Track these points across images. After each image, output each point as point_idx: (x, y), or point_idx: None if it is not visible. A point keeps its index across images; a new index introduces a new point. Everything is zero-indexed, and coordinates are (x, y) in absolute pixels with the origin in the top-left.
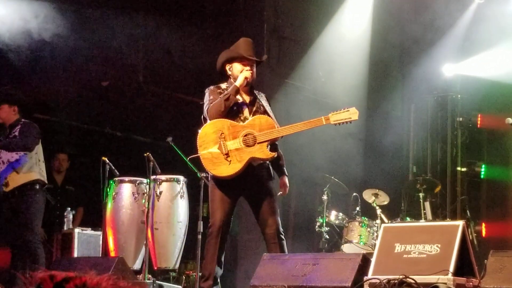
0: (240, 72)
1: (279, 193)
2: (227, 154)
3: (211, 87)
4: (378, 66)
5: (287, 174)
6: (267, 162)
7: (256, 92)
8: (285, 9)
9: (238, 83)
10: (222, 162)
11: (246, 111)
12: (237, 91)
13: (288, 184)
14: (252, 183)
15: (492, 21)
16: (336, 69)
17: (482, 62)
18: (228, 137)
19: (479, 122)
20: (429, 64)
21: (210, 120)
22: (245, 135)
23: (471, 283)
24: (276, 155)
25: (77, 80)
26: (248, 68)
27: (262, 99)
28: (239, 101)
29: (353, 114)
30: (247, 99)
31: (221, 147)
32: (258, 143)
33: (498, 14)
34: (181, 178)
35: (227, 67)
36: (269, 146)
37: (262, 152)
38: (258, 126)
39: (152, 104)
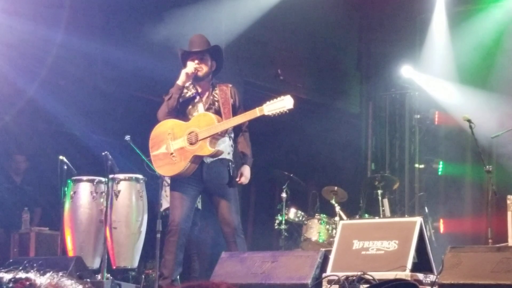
0: None
1: (237, 179)
2: (172, 154)
3: (173, 88)
4: (336, 64)
5: (249, 164)
6: (228, 160)
7: (219, 84)
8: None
9: (180, 80)
10: (169, 162)
11: (200, 108)
12: (179, 88)
13: (246, 174)
14: (211, 181)
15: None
16: (295, 67)
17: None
18: (174, 136)
19: (436, 119)
20: (387, 62)
21: (159, 121)
22: (189, 133)
23: (428, 279)
24: (218, 151)
25: (34, 79)
26: (197, 61)
27: (223, 93)
28: (194, 98)
29: (287, 103)
30: (203, 95)
31: (168, 147)
32: (199, 140)
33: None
34: (140, 176)
35: None
36: (224, 143)
37: (203, 149)
38: (200, 123)
39: (110, 102)
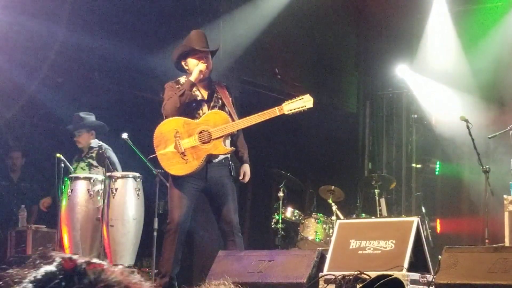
0: (195, 66)
1: (240, 178)
2: (183, 153)
3: (170, 83)
4: (334, 63)
5: (248, 162)
6: (228, 159)
7: (216, 83)
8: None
9: (193, 77)
10: (179, 161)
11: (204, 107)
12: (192, 85)
13: (248, 173)
14: (212, 181)
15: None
16: (293, 66)
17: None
18: (183, 135)
19: (433, 119)
20: (385, 61)
21: (166, 117)
22: (200, 132)
23: (425, 279)
24: (233, 150)
25: (34, 75)
26: (203, 61)
27: (222, 92)
28: (197, 97)
29: (307, 101)
30: (205, 93)
31: (177, 146)
32: (213, 139)
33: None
34: (137, 175)
35: (183, 63)
36: (227, 141)
37: (218, 148)
38: (213, 121)
39: (108, 100)
